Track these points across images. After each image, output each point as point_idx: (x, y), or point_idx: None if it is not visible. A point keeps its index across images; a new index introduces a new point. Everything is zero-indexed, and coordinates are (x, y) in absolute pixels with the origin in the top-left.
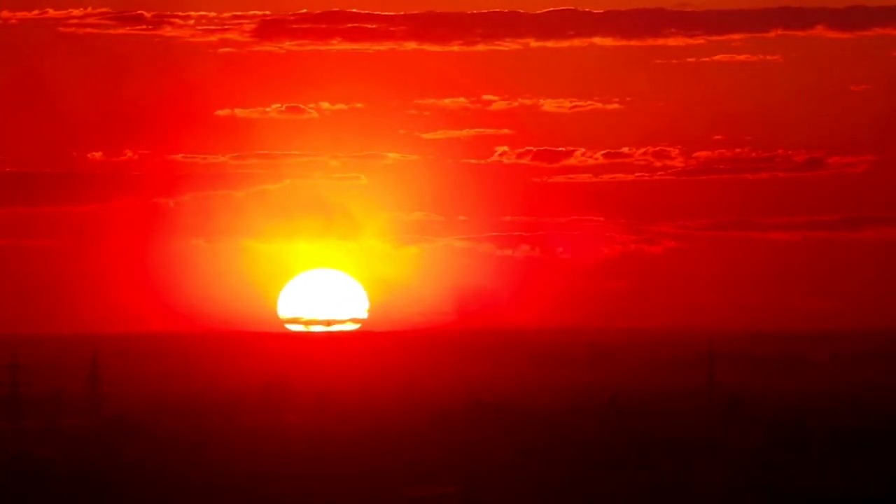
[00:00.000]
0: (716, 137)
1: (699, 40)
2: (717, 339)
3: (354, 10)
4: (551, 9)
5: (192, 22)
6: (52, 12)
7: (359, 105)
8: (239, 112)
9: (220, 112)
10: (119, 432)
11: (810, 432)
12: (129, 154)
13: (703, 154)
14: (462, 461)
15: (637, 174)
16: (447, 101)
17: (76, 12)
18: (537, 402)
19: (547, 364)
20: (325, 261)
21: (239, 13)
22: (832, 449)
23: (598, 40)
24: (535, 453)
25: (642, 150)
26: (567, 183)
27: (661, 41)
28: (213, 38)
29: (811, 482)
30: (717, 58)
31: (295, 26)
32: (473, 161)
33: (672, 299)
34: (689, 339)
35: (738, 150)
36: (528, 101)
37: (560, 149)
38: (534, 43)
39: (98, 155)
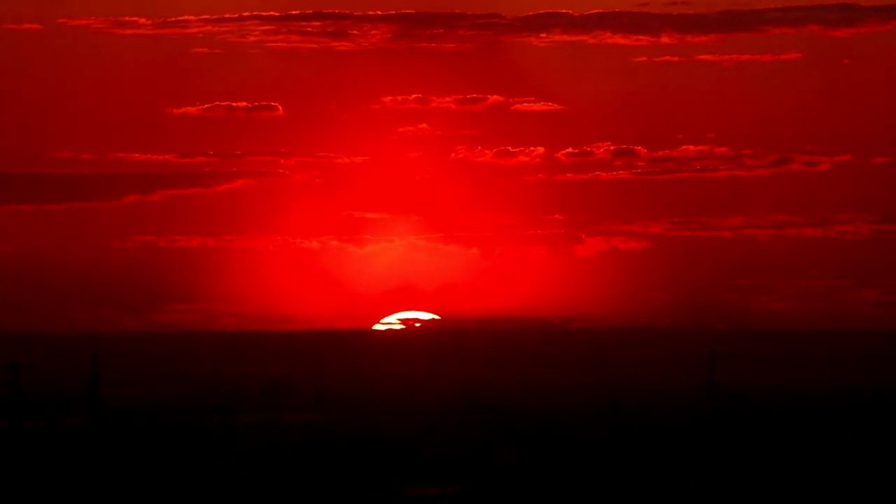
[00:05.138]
0: (678, 136)
1: (669, 40)
2: (701, 338)
3: (327, 10)
4: (528, 11)
5: (149, 23)
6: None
7: (317, 104)
8: (193, 110)
9: (174, 110)
10: (119, 432)
11: (806, 431)
12: (80, 153)
13: (669, 152)
14: (462, 461)
15: (596, 172)
16: (409, 99)
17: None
18: (535, 402)
19: (540, 363)
20: (293, 261)
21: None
22: (830, 448)
23: (570, 39)
24: (535, 453)
25: (603, 147)
26: (531, 181)
27: (632, 41)
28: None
29: (810, 481)
30: (696, 58)
31: (264, 26)
32: (435, 160)
33: (649, 298)
34: (679, 338)
35: (705, 148)
36: (493, 100)
37: (521, 148)
38: (501, 42)
39: (51, 153)
